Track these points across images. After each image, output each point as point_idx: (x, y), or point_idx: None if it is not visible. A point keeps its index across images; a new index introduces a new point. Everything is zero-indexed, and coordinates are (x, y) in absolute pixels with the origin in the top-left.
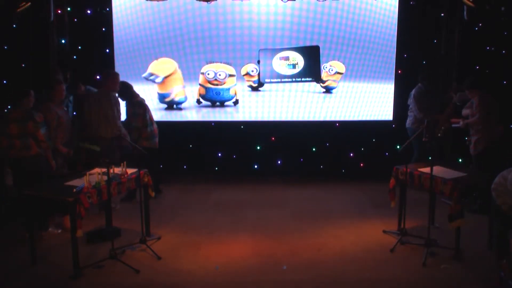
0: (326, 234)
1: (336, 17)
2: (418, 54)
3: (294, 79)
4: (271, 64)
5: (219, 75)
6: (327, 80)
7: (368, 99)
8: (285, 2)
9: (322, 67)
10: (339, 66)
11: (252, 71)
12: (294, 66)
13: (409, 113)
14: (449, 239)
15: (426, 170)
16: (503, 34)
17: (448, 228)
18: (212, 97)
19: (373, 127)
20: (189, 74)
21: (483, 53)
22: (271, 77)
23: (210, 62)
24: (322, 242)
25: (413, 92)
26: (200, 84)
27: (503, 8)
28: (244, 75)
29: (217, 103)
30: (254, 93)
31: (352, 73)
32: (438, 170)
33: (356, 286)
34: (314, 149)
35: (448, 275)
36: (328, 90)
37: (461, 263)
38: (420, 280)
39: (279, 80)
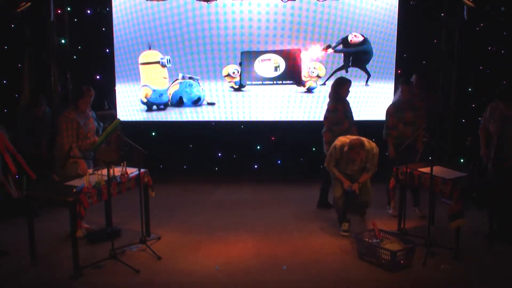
0: (326, 234)
1: (336, 17)
2: (418, 54)
3: (275, 82)
4: (253, 66)
5: None
6: (307, 81)
7: (368, 99)
8: (285, 2)
9: (307, 68)
10: (321, 69)
11: (234, 72)
12: (276, 68)
13: None
14: (449, 239)
15: (426, 170)
16: (503, 34)
17: (448, 228)
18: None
19: (373, 127)
20: (189, 74)
21: (483, 53)
22: (252, 79)
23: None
24: (322, 242)
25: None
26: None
27: (503, 8)
28: (225, 76)
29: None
30: (254, 93)
31: (352, 73)
32: (438, 170)
33: (356, 286)
34: (314, 149)
35: (448, 275)
36: (309, 90)
37: (461, 263)
38: (420, 280)
39: (261, 82)
